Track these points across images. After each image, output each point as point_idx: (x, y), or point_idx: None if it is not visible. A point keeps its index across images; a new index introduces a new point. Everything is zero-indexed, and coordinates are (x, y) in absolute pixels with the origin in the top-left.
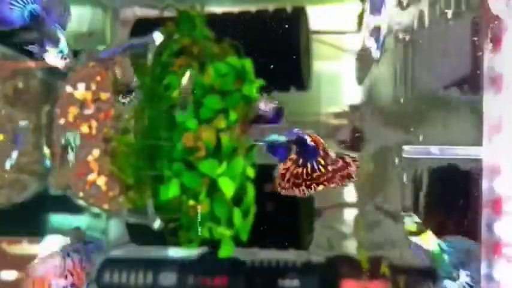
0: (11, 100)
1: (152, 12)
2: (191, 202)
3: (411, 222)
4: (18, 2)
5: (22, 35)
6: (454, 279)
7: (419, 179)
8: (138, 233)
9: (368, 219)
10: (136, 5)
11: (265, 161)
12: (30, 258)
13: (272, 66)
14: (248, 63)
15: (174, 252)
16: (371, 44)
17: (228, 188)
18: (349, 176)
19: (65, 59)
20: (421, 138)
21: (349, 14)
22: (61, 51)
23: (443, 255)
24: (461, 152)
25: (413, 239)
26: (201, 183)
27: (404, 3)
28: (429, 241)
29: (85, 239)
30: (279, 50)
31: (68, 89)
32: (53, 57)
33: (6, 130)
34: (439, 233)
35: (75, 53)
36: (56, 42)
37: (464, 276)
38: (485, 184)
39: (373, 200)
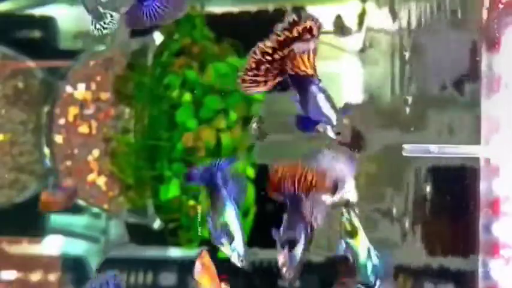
0: (11, 100)
1: None
2: (191, 202)
3: (348, 220)
4: (202, 168)
5: (23, 33)
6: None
7: (418, 179)
8: (138, 233)
9: (366, 219)
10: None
11: (266, 161)
12: (30, 258)
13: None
14: None
15: (174, 252)
16: None
17: None
18: None
19: (242, 261)
20: (420, 137)
21: (349, 14)
22: (234, 250)
23: (367, 262)
24: (459, 151)
25: (347, 238)
26: None
27: (404, 4)
28: (361, 244)
29: None
30: None
31: (68, 89)
32: (227, 251)
33: (6, 130)
34: (437, 233)
35: (75, 53)
36: (228, 234)
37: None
38: (483, 185)
39: (372, 200)
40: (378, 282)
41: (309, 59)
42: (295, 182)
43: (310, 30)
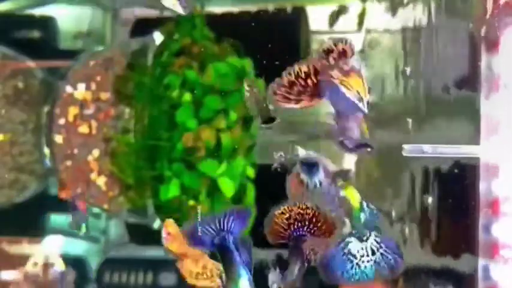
0: (11, 100)
1: (152, 12)
2: (191, 202)
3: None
4: (212, 229)
5: (23, 33)
6: (361, 240)
7: (418, 179)
8: (138, 233)
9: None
10: (136, 5)
11: (266, 161)
12: (30, 258)
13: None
14: (248, 63)
15: None
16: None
17: (228, 188)
18: None
19: None
20: (420, 137)
21: (349, 14)
22: None
23: (361, 213)
24: (458, 151)
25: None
26: (201, 183)
27: (403, 4)
28: (353, 196)
29: None
30: (279, 50)
31: (68, 89)
32: None
33: (6, 130)
34: (436, 234)
35: (75, 53)
36: None
37: (372, 240)
38: (483, 185)
39: (371, 200)
40: (372, 233)
41: (360, 80)
42: (306, 225)
43: (344, 53)
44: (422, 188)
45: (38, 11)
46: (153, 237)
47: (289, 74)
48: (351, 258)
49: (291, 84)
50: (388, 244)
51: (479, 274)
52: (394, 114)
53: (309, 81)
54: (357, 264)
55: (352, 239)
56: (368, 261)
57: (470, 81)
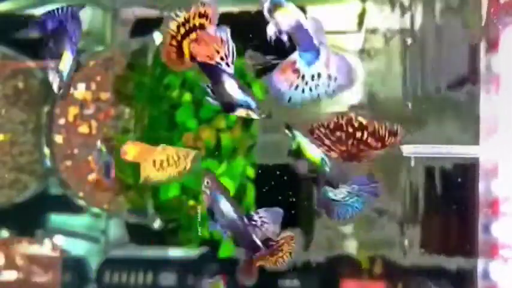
0: (11, 100)
1: (152, 12)
2: (191, 202)
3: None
4: None
5: (24, 33)
6: (334, 188)
7: (417, 179)
8: (138, 233)
9: (366, 219)
10: (136, 5)
11: (266, 161)
12: (30, 258)
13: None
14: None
15: (174, 252)
16: None
17: (228, 188)
18: None
19: None
20: (420, 138)
21: (349, 14)
22: None
23: (324, 166)
24: (458, 151)
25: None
26: (201, 183)
27: (403, 5)
28: (314, 154)
29: None
30: (279, 50)
31: None
32: None
33: (6, 130)
34: (436, 233)
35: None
36: None
37: (343, 188)
38: (482, 185)
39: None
40: (340, 184)
41: None
42: None
43: (395, 134)
44: (422, 188)
45: (38, 11)
46: (153, 237)
47: (337, 117)
48: (334, 202)
49: (335, 127)
50: (360, 181)
51: (479, 274)
52: (395, 115)
53: (357, 132)
54: (343, 204)
55: (327, 188)
56: (351, 198)
57: (469, 81)
